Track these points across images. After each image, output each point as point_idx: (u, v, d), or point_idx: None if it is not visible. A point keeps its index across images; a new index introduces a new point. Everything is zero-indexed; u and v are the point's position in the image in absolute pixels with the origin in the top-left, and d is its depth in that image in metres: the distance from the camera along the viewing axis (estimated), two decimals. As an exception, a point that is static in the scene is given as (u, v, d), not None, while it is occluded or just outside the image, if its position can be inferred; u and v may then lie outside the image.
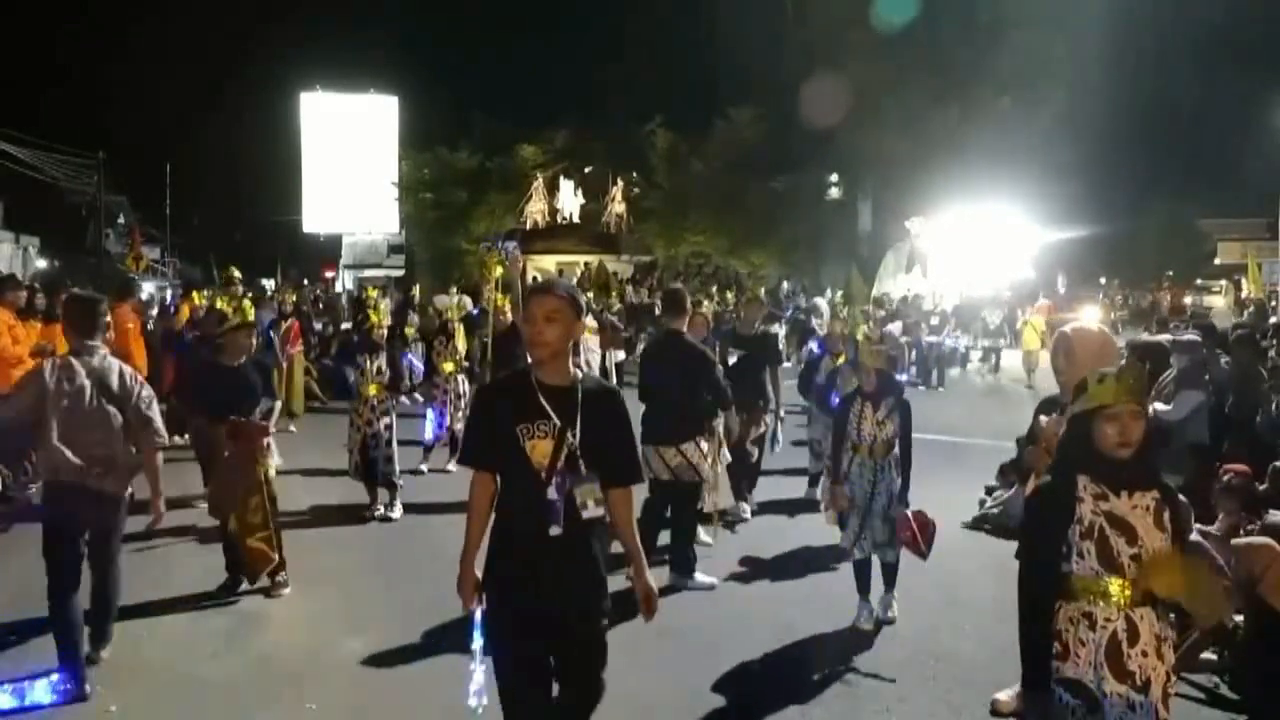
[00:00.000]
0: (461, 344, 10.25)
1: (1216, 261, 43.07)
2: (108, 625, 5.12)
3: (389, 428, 8.19)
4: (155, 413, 4.98)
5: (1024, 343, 19.25)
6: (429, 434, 10.01)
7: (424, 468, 9.82)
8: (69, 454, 4.68)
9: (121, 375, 4.91)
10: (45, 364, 4.85)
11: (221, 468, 6.18)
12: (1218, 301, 35.03)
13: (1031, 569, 3.05)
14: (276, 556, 6.04)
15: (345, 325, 17.76)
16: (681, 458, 6.25)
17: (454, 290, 13.48)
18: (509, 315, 8.91)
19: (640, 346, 15.17)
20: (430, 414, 10.00)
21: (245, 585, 6.13)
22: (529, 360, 3.24)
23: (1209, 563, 3.11)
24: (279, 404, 6.59)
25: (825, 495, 7.59)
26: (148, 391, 5.01)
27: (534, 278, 32.47)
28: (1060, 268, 35.72)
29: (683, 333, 6.62)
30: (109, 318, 5.16)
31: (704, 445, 6.42)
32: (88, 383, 4.77)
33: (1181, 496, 3.12)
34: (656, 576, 3.84)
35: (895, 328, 17.38)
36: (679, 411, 6.31)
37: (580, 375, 3.23)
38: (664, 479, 6.25)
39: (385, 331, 8.64)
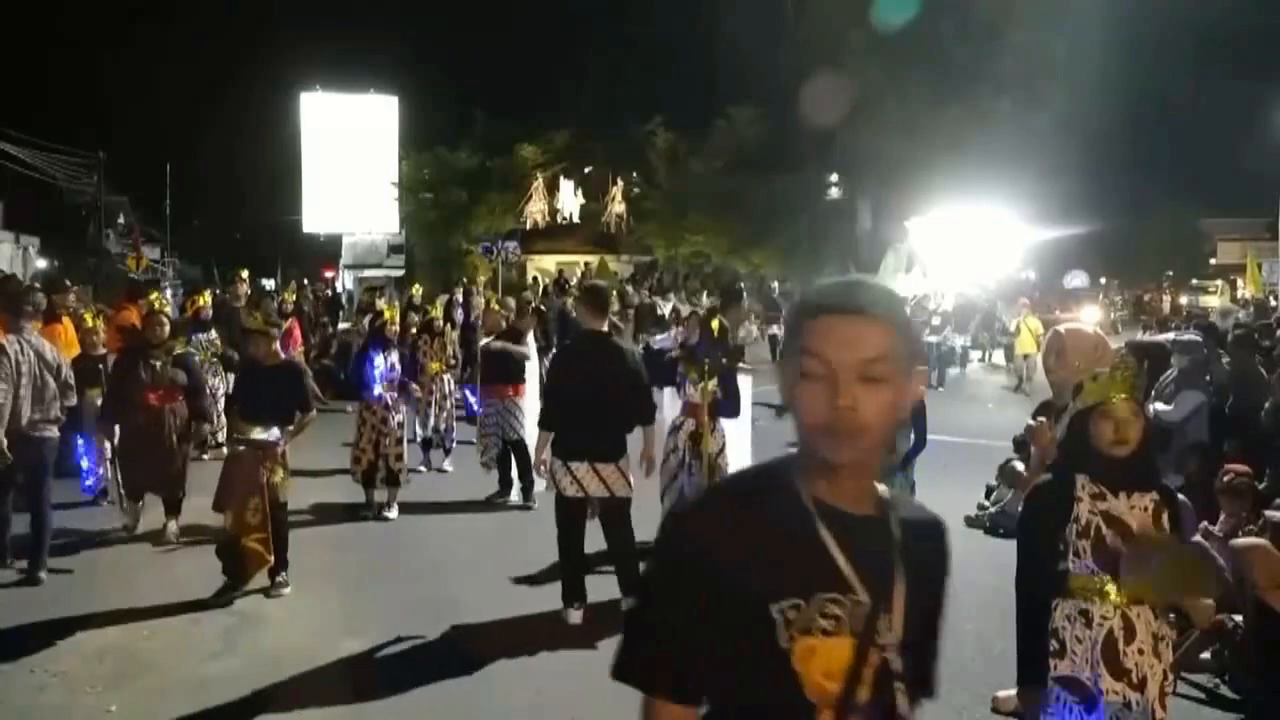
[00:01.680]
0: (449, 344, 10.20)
1: (1214, 261, 43.07)
2: (42, 551, 6.33)
3: (400, 425, 8.23)
4: (72, 380, 6.67)
5: (1019, 345, 17.76)
6: (415, 433, 9.99)
7: (422, 468, 9.84)
8: (27, 409, 6.17)
9: (51, 350, 6.54)
10: (3, 340, 6.17)
11: (227, 465, 6.24)
12: (1212, 301, 35.03)
13: (1028, 567, 3.06)
14: (271, 559, 6.01)
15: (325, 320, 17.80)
16: (619, 473, 5.67)
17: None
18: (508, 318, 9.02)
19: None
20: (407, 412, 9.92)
21: (242, 586, 6.06)
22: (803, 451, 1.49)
23: (1188, 547, 3.08)
24: (313, 415, 6.42)
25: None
26: (68, 367, 6.71)
27: (533, 278, 32.61)
28: (1065, 267, 35.72)
29: (608, 334, 6.07)
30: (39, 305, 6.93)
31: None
32: (31, 354, 6.25)
33: (1182, 498, 3.12)
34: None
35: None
36: (616, 423, 5.70)
37: (887, 493, 1.56)
38: (598, 495, 5.67)
39: (397, 328, 8.68)
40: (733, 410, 6.56)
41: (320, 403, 14.44)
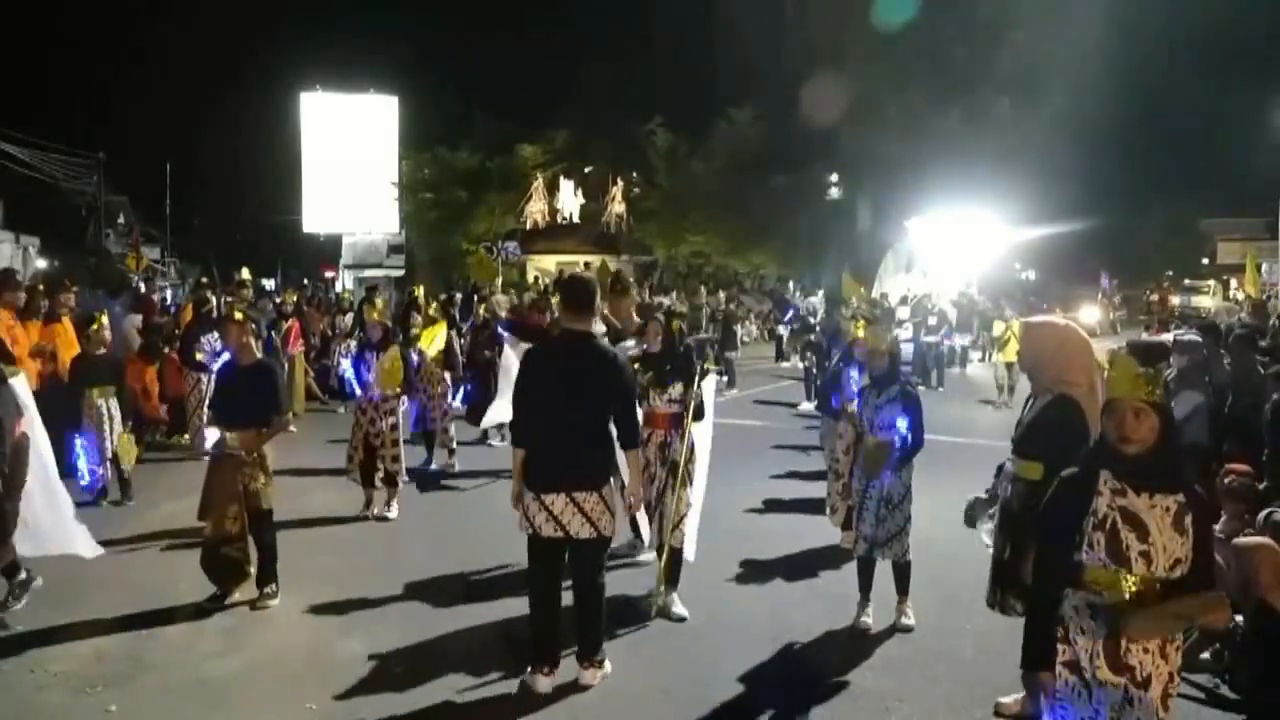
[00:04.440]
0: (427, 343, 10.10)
1: (1216, 262, 43.11)
2: None
3: (394, 427, 8.21)
4: None
5: (1005, 353, 15.43)
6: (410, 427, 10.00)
7: (433, 466, 9.85)
8: None
9: None
10: None
11: (209, 471, 6.12)
12: (1205, 301, 35.04)
13: (1046, 555, 3.09)
14: (251, 570, 5.93)
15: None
16: (604, 505, 4.81)
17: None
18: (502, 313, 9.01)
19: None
20: (407, 407, 9.91)
21: (228, 596, 5.94)
22: None
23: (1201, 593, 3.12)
24: (287, 418, 6.21)
25: (831, 497, 7.61)
26: None
27: (534, 278, 32.57)
28: (1065, 268, 35.77)
29: (590, 335, 5.00)
30: None
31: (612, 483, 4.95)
32: None
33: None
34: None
35: (905, 331, 17.37)
36: (600, 440, 4.87)
37: None
38: (583, 537, 4.74)
39: (383, 329, 8.62)
40: (696, 413, 5.95)
41: (320, 402, 14.56)
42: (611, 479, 4.92)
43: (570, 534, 4.71)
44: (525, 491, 4.76)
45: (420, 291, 14.50)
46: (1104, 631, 2.98)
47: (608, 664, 4.92)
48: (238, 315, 6.38)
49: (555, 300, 10.68)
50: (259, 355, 6.30)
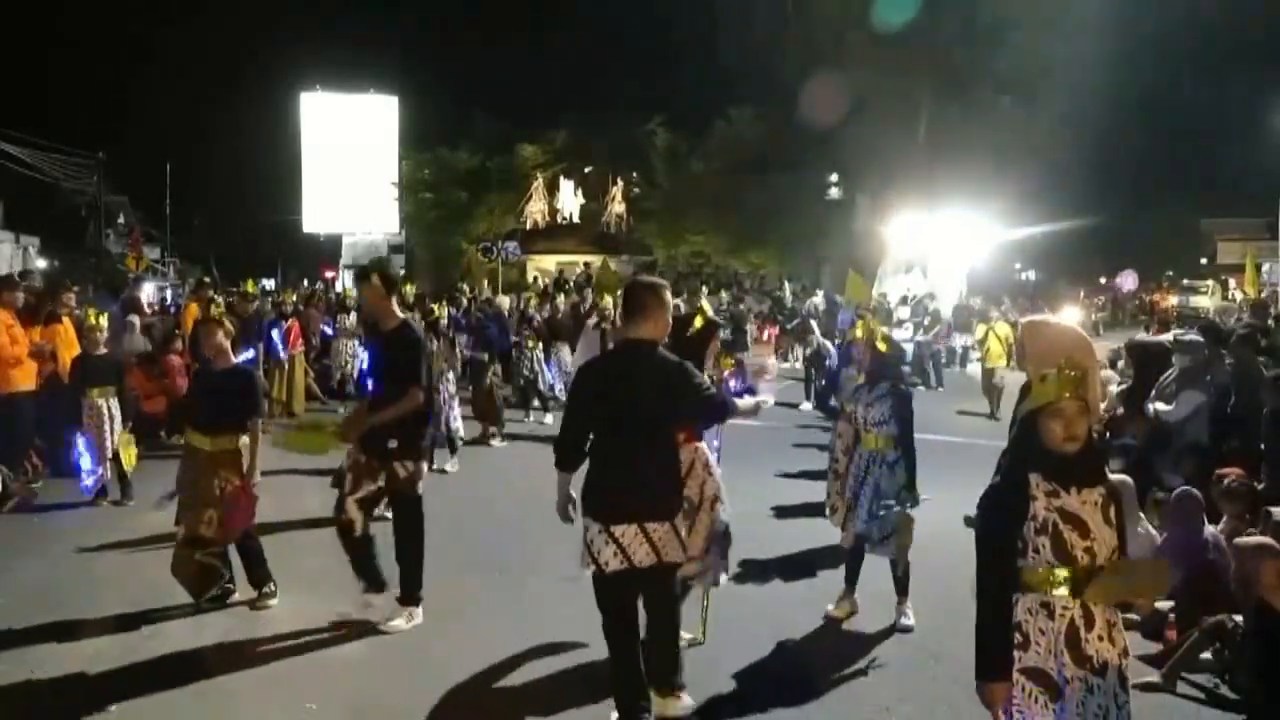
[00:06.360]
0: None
1: (1216, 261, 43.14)
2: None
3: None
4: None
5: (989, 357, 14.59)
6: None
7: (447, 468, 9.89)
8: None
9: None
10: None
11: (179, 475, 6.02)
12: (1204, 301, 35.05)
13: (987, 566, 3.14)
14: (226, 573, 5.87)
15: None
16: (674, 533, 4.33)
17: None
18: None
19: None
20: None
21: (239, 589, 5.96)
22: None
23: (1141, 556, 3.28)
24: (260, 420, 6.04)
25: (831, 497, 7.62)
26: None
27: (533, 278, 32.54)
28: (1064, 269, 35.77)
29: (654, 345, 4.33)
30: None
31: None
32: None
33: (1124, 478, 3.22)
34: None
35: (905, 331, 17.32)
36: (673, 466, 4.45)
37: None
38: (645, 565, 4.22)
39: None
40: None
41: (320, 402, 14.56)
42: (682, 506, 4.53)
43: (634, 564, 4.20)
44: (590, 523, 4.24)
45: (410, 289, 14.49)
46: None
47: (686, 697, 4.47)
48: (215, 318, 6.32)
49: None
50: (234, 360, 6.17)
